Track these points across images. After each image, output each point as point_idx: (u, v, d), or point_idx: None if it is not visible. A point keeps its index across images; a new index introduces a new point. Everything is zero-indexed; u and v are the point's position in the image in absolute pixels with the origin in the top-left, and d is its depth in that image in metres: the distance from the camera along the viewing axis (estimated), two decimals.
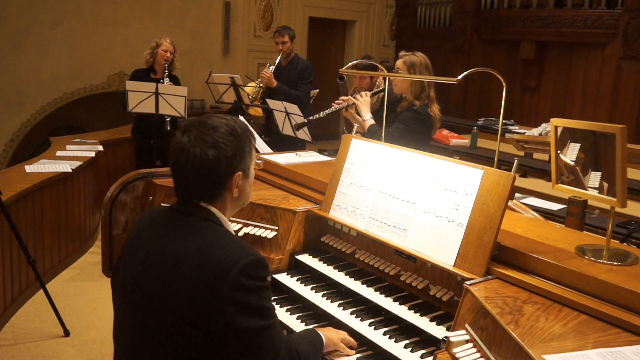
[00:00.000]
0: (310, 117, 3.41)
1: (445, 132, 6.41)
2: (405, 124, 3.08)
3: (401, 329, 1.82)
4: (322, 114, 3.32)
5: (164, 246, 1.47)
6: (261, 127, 5.32)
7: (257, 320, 1.42)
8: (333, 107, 3.35)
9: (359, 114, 3.24)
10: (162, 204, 2.65)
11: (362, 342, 1.82)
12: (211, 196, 1.52)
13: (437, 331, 1.73)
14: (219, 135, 1.48)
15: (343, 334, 1.79)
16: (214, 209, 1.53)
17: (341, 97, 3.42)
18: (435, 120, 3.17)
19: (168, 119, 4.84)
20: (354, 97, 3.31)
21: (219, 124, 1.51)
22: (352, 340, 1.79)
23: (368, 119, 3.17)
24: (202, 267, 1.39)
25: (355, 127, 3.01)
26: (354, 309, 1.95)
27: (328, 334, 1.73)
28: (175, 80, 5.10)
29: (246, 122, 1.70)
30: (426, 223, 1.90)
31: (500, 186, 1.74)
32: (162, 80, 4.96)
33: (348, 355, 1.75)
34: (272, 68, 5.23)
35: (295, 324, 1.97)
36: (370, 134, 3.10)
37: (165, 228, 1.52)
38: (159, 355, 1.45)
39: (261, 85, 5.34)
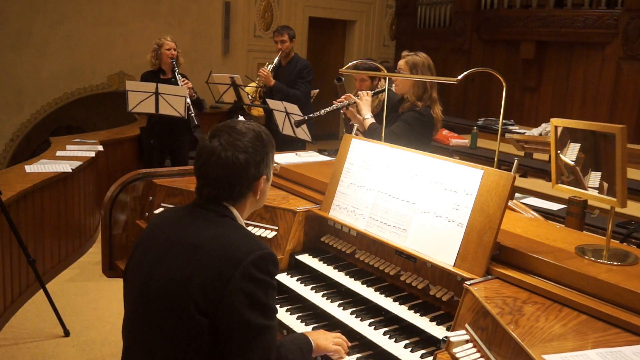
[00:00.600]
0: (311, 115, 3.40)
1: (445, 132, 6.41)
2: (408, 124, 3.08)
3: (401, 329, 1.82)
4: (322, 111, 3.32)
5: (182, 235, 1.54)
6: None
7: (259, 317, 1.46)
8: (334, 105, 3.35)
9: (359, 114, 3.24)
10: (163, 204, 2.67)
11: (362, 342, 1.82)
12: (235, 197, 1.60)
13: (437, 331, 1.73)
14: (248, 141, 1.58)
15: (336, 337, 1.76)
16: (232, 209, 1.61)
17: (343, 96, 3.41)
18: (437, 121, 3.17)
19: (192, 114, 4.85)
20: (355, 96, 3.31)
21: (246, 129, 1.61)
22: (344, 343, 1.76)
23: (368, 118, 3.17)
24: (217, 254, 1.45)
25: (355, 127, 3.00)
26: (354, 309, 1.95)
27: (318, 340, 1.72)
28: (186, 78, 5.12)
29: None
30: (426, 223, 1.90)
31: (500, 186, 1.74)
32: (173, 80, 4.97)
33: (341, 358, 1.74)
34: (270, 67, 5.24)
35: (295, 324, 1.97)
36: (371, 132, 3.09)
37: (184, 221, 1.59)
38: (165, 349, 1.47)
39: (259, 84, 5.34)
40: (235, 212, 1.61)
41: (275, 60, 5.31)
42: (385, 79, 3.15)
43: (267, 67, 5.24)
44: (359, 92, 3.31)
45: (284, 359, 1.56)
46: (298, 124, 3.57)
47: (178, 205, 1.72)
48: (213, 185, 1.58)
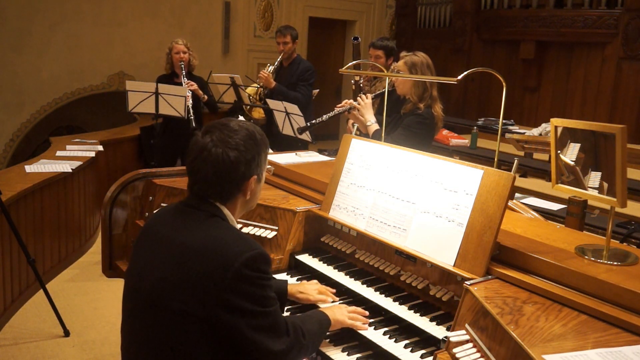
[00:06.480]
0: (313, 121, 3.39)
1: (445, 132, 6.41)
2: (410, 131, 3.05)
3: (401, 329, 1.82)
4: (324, 117, 3.30)
5: (173, 237, 1.53)
6: (261, 128, 5.30)
7: (258, 307, 1.46)
8: (335, 111, 3.34)
9: (363, 118, 3.22)
10: (163, 204, 2.67)
11: (362, 342, 1.82)
12: (225, 196, 1.59)
13: (437, 331, 1.73)
14: (240, 139, 1.56)
15: (350, 309, 1.84)
16: (223, 208, 1.59)
17: (344, 101, 3.42)
18: (439, 120, 3.16)
19: (191, 117, 4.84)
20: (355, 101, 3.29)
21: (239, 127, 1.60)
22: (360, 317, 1.83)
23: (372, 124, 3.12)
24: (207, 258, 1.44)
25: (355, 127, 3.00)
26: None
27: (334, 315, 1.79)
28: (197, 81, 5.11)
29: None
30: (426, 223, 1.90)
31: (500, 186, 1.74)
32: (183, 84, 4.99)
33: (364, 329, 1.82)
34: (271, 69, 5.21)
35: None
36: (375, 139, 3.08)
37: (175, 221, 1.58)
38: (160, 350, 1.47)
39: (260, 86, 5.32)
40: (226, 211, 1.60)
41: (277, 61, 5.28)
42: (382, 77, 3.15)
43: (268, 68, 5.22)
44: (359, 96, 3.30)
45: (299, 330, 1.59)
46: (301, 131, 3.58)
47: (171, 204, 1.71)
48: (202, 182, 1.56)
